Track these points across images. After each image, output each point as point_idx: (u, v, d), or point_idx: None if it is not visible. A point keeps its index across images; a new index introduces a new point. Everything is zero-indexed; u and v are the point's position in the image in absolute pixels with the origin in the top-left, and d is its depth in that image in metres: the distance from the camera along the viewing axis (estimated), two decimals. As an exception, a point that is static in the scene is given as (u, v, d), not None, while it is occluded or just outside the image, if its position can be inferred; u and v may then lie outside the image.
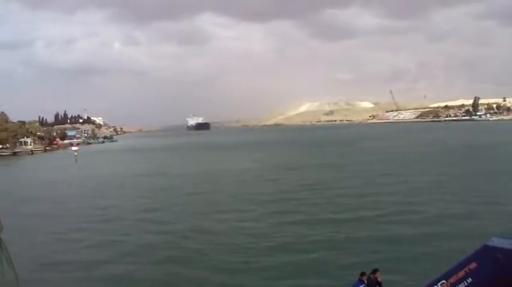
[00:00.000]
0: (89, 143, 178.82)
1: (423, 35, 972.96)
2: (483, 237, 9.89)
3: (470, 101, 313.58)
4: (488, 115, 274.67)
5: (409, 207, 28.87)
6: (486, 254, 8.80)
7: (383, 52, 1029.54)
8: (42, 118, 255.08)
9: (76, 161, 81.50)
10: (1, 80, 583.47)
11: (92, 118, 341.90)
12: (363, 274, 12.14)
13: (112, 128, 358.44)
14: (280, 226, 25.90)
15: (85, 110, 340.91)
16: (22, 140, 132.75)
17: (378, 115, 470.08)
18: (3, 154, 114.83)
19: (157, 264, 20.28)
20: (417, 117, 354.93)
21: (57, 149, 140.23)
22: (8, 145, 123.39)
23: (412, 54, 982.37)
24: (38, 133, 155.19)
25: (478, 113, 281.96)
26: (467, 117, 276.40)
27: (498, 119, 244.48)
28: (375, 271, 12.27)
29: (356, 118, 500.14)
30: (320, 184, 41.42)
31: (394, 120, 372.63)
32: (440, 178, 40.96)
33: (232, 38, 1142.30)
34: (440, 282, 9.21)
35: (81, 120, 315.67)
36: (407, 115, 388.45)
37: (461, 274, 8.97)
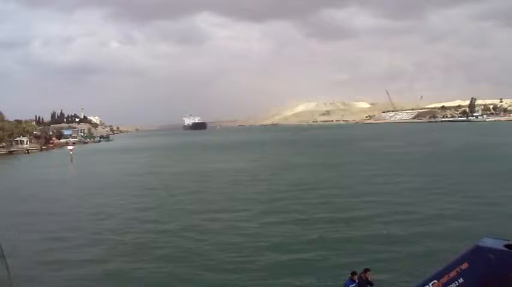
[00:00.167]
0: (85, 143, 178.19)
1: (420, 35, 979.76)
2: (475, 237, 9.86)
3: (467, 102, 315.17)
4: (484, 116, 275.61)
5: (403, 207, 28.88)
6: (478, 254, 8.78)
7: (380, 52, 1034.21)
8: (39, 117, 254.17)
9: (72, 161, 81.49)
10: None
11: (88, 117, 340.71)
12: (353, 273, 12.16)
13: (108, 127, 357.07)
14: (274, 225, 25.84)
15: (82, 109, 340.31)
16: (18, 139, 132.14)
17: (374, 115, 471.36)
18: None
19: (151, 263, 20.22)
20: (414, 118, 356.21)
21: (53, 148, 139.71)
22: (3, 144, 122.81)
23: (409, 54, 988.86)
24: (34, 132, 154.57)
25: (475, 114, 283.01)
26: (464, 118, 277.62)
27: (494, 120, 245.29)
28: (366, 270, 12.27)
29: (353, 118, 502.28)
30: (315, 183, 41.39)
31: (391, 121, 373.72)
32: (435, 178, 41.05)
33: (229, 38, 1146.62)
34: (432, 282, 9.20)
35: (77, 120, 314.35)
36: (404, 116, 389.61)
37: (452, 274, 8.95)
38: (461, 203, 29.26)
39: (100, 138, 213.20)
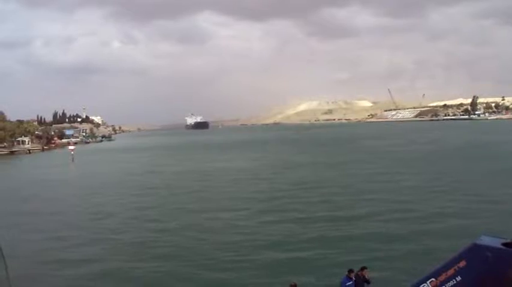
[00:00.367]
0: (87, 143, 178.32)
1: (422, 33, 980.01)
2: (475, 236, 9.80)
3: (469, 100, 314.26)
4: (486, 114, 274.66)
5: (404, 205, 28.82)
6: (475, 252, 8.74)
7: (381, 51, 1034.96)
8: (41, 117, 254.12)
9: (73, 161, 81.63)
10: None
11: (90, 117, 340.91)
12: (350, 271, 12.11)
13: (110, 127, 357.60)
14: (274, 224, 25.82)
15: (84, 109, 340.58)
16: (20, 139, 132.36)
17: (376, 114, 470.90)
18: (1, 153, 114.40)
19: (151, 262, 20.23)
20: (416, 116, 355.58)
21: (55, 148, 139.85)
22: (5, 144, 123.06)
23: (410, 53, 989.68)
24: (36, 132, 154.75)
25: (477, 112, 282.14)
26: (466, 117, 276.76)
27: (496, 118, 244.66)
28: (362, 268, 12.25)
29: (355, 117, 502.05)
30: (316, 182, 41.33)
31: (393, 119, 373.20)
32: (436, 176, 40.94)
33: (231, 37, 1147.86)
34: (430, 280, 9.16)
35: (79, 119, 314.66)
36: (406, 114, 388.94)
37: (450, 272, 8.91)
38: (462, 201, 29.17)
39: (102, 138, 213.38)
